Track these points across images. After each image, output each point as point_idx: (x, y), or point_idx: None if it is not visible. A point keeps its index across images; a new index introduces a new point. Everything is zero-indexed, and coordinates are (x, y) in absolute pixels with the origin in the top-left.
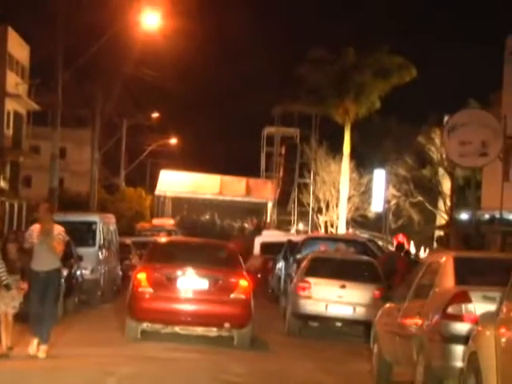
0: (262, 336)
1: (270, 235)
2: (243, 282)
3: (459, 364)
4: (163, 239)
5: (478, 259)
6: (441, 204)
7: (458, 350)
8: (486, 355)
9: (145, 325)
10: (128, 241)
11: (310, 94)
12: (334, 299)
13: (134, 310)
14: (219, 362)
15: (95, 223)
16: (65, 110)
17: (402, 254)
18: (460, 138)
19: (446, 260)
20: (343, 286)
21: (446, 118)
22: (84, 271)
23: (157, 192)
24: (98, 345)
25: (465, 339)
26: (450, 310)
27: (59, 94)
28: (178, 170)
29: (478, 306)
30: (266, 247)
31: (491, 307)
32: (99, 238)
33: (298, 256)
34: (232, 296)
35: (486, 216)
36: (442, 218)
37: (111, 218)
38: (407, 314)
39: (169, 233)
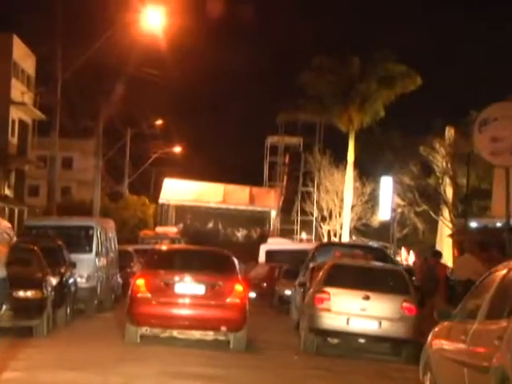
0: (274, 354)
1: (276, 242)
2: (238, 287)
3: None
4: (162, 247)
5: None
6: (446, 213)
7: None
8: None
9: (144, 329)
10: (130, 248)
11: (314, 103)
12: (357, 312)
13: (133, 315)
14: None
15: (92, 228)
16: (70, 121)
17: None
18: (492, 133)
19: None
20: (367, 298)
21: (447, 129)
22: (79, 279)
23: (160, 200)
24: (84, 368)
25: None
26: None
27: (58, 93)
28: (181, 179)
29: None
30: (272, 255)
31: None
32: (96, 243)
33: (311, 264)
34: (228, 300)
35: (498, 224)
36: (445, 227)
37: (110, 223)
38: (481, 337)
39: (172, 241)
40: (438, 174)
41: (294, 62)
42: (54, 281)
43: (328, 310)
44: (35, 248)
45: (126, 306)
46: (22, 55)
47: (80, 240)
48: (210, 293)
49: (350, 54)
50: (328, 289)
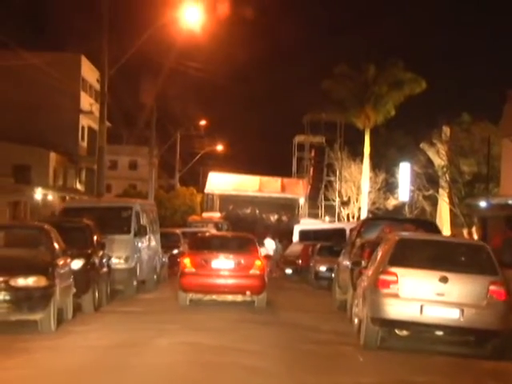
0: (329, 355)
1: (308, 223)
2: (258, 262)
3: None
4: (204, 233)
5: None
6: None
7: None
8: None
9: (191, 295)
10: (177, 231)
11: (335, 105)
12: (433, 298)
13: (183, 285)
14: None
15: (130, 209)
16: (133, 131)
17: None
18: None
19: None
20: (444, 279)
21: (443, 128)
22: (117, 260)
23: (206, 190)
24: None
25: None
26: None
27: (105, 89)
28: (224, 172)
29: None
30: (305, 234)
31: None
32: (135, 224)
33: (359, 240)
34: (251, 272)
35: (510, 202)
36: (444, 208)
37: (151, 206)
38: None
39: (216, 225)
40: (442, 162)
41: (317, 68)
42: (79, 263)
43: (396, 295)
44: (46, 227)
45: (178, 278)
46: (89, 72)
47: (119, 221)
48: (238, 267)
49: (365, 61)
50: (395, 269)
